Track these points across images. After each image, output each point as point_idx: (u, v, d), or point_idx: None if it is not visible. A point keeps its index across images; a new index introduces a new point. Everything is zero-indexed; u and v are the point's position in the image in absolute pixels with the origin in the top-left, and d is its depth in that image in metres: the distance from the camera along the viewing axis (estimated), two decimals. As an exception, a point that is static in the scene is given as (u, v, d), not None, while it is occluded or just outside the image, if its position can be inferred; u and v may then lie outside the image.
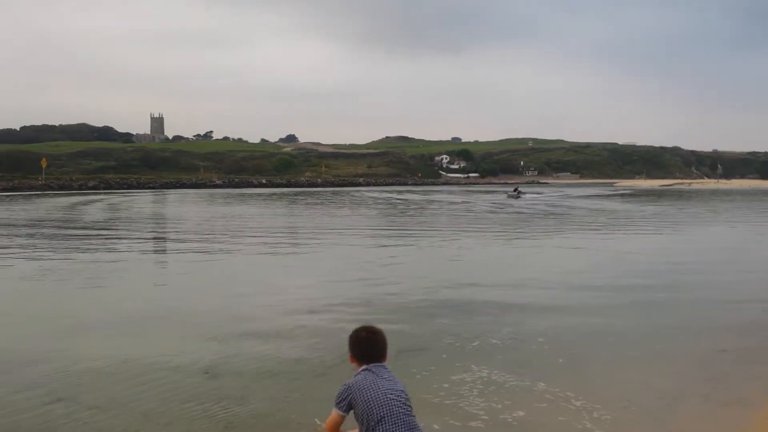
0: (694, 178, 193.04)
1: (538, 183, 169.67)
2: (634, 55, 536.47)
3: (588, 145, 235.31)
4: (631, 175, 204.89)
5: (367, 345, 4.10)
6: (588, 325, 10.76)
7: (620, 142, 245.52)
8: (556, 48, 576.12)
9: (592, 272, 16.47)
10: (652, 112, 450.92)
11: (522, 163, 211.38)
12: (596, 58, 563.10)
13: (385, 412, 3.83)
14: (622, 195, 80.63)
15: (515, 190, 77.11)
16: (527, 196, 75.27)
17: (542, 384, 7.57)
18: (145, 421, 6.50)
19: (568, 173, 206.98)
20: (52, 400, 7.06)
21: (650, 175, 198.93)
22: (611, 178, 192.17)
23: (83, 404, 6.95)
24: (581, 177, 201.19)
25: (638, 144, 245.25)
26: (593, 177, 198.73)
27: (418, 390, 7.36)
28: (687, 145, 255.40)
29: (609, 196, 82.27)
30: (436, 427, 6.32)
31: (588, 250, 22.06)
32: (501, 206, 53.74)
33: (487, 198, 72.90)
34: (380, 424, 3.82)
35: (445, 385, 7.54)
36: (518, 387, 7.49)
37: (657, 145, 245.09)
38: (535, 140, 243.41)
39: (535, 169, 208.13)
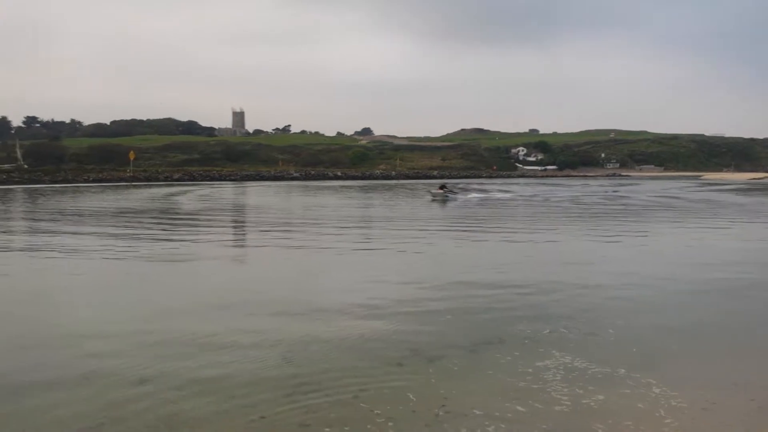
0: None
1: (620, 175, 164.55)
2: (724, 44, 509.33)
3: (674, 137, 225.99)
4: (719, 167, 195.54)
5: None
6: (670, 318, 10.82)
7: (707, 134, 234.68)
8: (642, 38, 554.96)
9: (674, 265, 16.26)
10: (743, 103, 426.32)
11: (603, 155, 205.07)
12: (684, 47, 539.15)
13: None
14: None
15: (441, 187, 53.26)
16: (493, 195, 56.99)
17: (622, 370, 7.82)
18: (229, 403, 6.98)
19: (652, 165, 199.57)
20: (139, 381, 7.63)
21: (739, 168, 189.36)
22: (697, 170, 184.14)
23: (168, 385, 7.49)
24: (665, 170, 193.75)
25: (727, 135, 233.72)
26: (678, 170, 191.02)
27: (504, 374, 7.77)
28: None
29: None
30: (521, 409, 6.68)
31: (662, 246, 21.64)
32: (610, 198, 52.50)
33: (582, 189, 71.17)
34: None
35: (530, 370, 7.87)
36: (600, 373, 7.78)
37: (747, 136, 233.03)
38: (617, 131, 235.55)
39: (616, 162, 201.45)
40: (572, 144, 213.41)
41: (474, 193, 60.89)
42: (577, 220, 32.15)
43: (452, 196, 51.78)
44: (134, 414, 6.72)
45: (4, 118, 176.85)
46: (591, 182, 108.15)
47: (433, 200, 49.08)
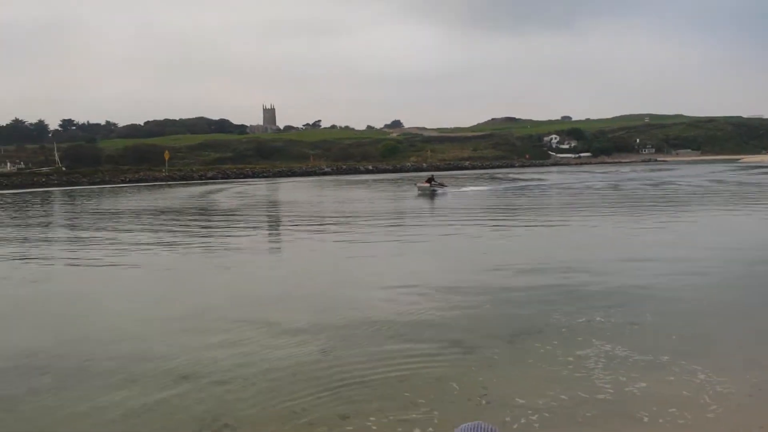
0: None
1: (656, 161, 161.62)
2: (761, 23, 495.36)
3: (710, 120, 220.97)
4: (758, 150, 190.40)
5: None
6: (712, 305, 10.70)
7: (745, 116, 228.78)
8: (675, 18, 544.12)
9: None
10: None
11: (638, 140, 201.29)
12: (719, 27, 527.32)
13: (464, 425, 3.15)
14: None
15: (428, 180, 48.54)
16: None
17: (665, 358, 7.79)
18: (271, 397, 7.06)
19: (689, 150, 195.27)
20: (182, 376, 7.78)
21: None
22: (736, 154, 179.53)
23: (210, 380, 7.62)
24: (702, 153, 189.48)
25: (766, 116, 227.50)
26: (715, 153, 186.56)
27: (545, 363, 7.79)
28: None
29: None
30: (564, 397, 6.70)
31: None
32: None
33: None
34: None
35: (570, 359, 7.87)
36: (642, 361, 7.75)
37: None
38: (651, 116, 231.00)
39: (652, 147, 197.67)
40: (606, 130, 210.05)
41: (471, 186, 56.38)
42: (618, 207, 31.77)
43: (441, 189, 47.56)
44: (178, 407, 6.87)
45: (41, 122, 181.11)
46: (627, 168, 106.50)
47: (420, 195, 45.05)
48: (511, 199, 41.16)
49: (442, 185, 48.94)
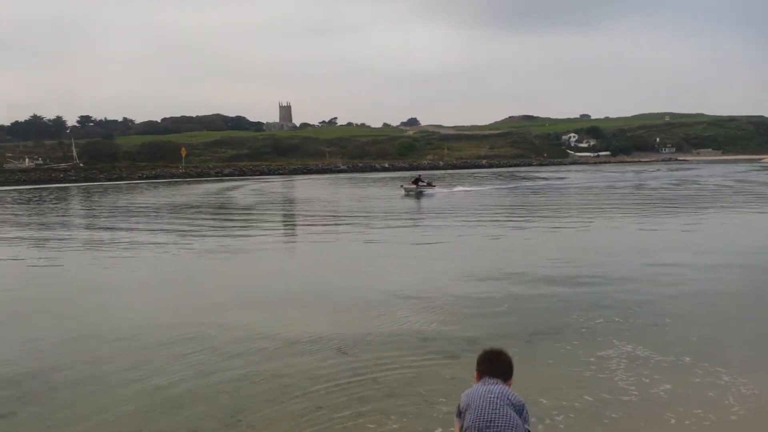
0: None
1: (677, 160, 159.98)
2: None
3: (731, 119, 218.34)
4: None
5: (489, 362, 4.07)
6: (730, 307, 10.56)
7: (767, 115, 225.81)
8: (695, 16, 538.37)
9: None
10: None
11: (657, 139, 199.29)
12: (740, 25, 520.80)
13: (481, 417, 3.70)
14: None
15: (415, 182, 47.47)
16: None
17: (687, 359, 7.69)
18: (288, 395, 7.04)
19: (710, 149, 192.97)
20: (197, 374, 7.76)
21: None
22: (757, 153, 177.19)
23: (225, 377, 7.61)
24: (723, 153, 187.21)
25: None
26: (736, 153, 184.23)
27: (567, 364, 7.68)
28: None
29: None
30: (588, 398, 6.60)
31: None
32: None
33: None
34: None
35: (592, 360, 7.78)
36: (665, 362, 7.65)
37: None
38: (672, 115, 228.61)
39: (672, 146, 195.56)
40: (626, 128, 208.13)
41: (460, 186, 55.16)
42: (640, 207, 31.47)
43: (429, 190, 46.39)
44: (193, 405, 6.85)
45: (59, 118, 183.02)
46: (648, 168, 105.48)
47: (407, 195, 44.07)
48: (530, 198, 40.97)
49: (430, 185, 47.84)
